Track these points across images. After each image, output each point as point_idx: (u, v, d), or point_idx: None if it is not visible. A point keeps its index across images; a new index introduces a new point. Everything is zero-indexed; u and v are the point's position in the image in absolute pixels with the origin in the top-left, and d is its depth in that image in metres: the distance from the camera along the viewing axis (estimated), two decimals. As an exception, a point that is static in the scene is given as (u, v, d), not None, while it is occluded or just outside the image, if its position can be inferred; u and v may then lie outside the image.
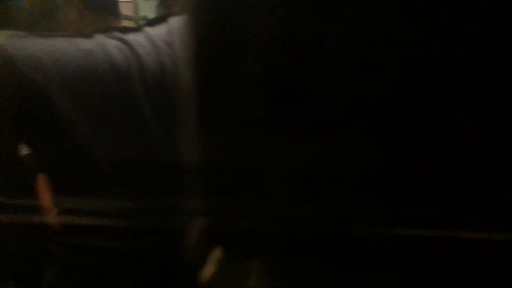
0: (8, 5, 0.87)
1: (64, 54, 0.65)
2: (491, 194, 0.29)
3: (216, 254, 0.41)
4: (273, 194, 0.33)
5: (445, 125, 0.29)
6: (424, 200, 0.30)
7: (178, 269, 0.67)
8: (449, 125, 0.29)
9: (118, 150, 0.65)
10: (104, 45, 0.69)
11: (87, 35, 0.70)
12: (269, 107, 0.32)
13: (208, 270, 0.42)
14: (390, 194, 0.30)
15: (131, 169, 0.66)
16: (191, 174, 0.35)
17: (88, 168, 0.66)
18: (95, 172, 0.66)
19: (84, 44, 0.67)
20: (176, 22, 0.73)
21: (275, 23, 0.31)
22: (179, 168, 0.35)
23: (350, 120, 0.30)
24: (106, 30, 0.73)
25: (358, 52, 0.29)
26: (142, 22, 0.90)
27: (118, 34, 0.72)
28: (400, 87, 0.29)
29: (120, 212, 0.62)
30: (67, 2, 0.85)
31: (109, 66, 0.66)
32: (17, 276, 0.71)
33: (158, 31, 0.73)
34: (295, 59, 0.31)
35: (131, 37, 0.72)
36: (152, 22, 0.77)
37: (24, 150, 0.66)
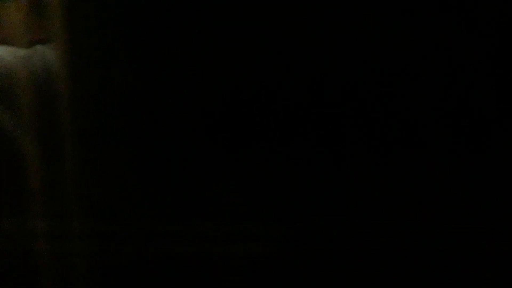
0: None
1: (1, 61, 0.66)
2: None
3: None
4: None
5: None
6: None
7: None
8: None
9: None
10: (44, 53, 0.70)
11: (27, 45, 0.71)
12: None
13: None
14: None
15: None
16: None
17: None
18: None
19: (22, 52, 0.68)
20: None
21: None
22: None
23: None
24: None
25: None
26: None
27: None
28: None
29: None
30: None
31: (48, 73, 0.67)
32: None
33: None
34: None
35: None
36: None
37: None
